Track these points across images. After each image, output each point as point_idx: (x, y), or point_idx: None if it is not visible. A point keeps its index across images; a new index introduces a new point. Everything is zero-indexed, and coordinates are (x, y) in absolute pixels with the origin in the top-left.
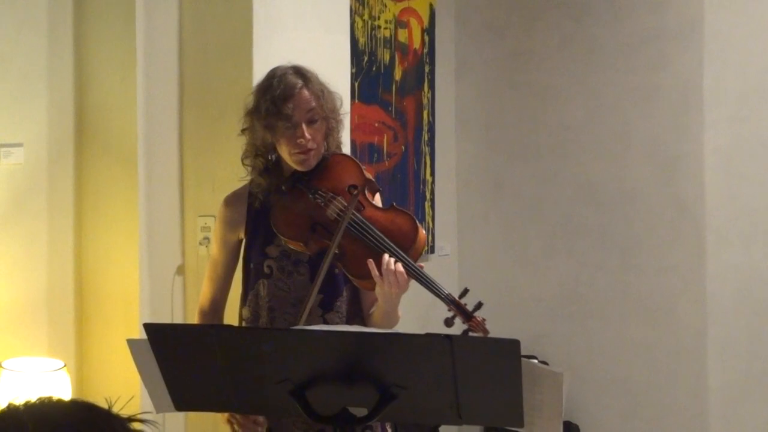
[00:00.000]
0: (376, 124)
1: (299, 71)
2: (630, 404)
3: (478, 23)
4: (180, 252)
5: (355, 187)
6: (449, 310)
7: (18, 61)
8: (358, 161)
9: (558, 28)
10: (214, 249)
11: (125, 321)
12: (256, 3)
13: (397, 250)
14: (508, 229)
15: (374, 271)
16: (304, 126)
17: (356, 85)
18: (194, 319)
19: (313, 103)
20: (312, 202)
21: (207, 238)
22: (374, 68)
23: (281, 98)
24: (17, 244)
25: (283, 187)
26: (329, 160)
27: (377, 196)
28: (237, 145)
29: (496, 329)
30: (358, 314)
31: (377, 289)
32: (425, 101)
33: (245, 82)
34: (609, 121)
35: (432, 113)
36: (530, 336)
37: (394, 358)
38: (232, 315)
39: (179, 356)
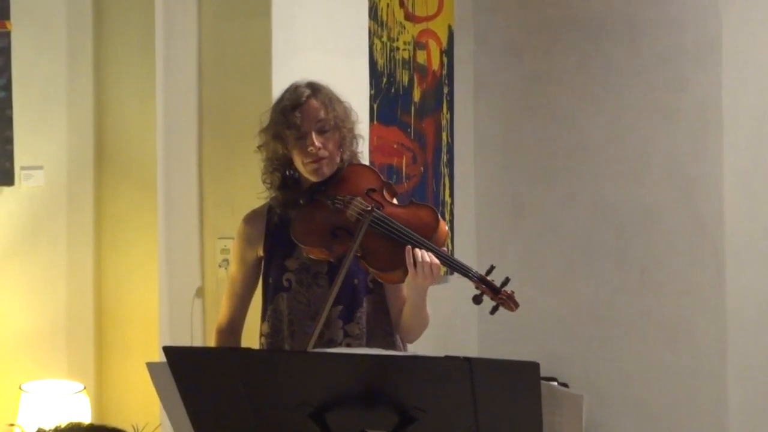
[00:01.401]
0: (395, 146)
1: (310, 83)
2: (650, 426)
3: (496, 45)
4: (199, 274)
5: (373, 189)
6: (477, 288)
7: (38, 84)
8: (374, 168)
9: (576, 49)
10: (233, 267)
11: (145, 343)
12: (275, 26)
13: (422, 238)
14: (527, 250)
15: (409, 259)
16: (313, 135)
17: (375, 106)
18: (214, 341)
19: (322, 113)
20: (331, 208)
21: (226, 260)
22: (393, 90)
23: (289, 108)
24: (37, 267)
25: (301, 201)
26: (345, 170)
27: (395, 200)
28: (256, 167)
29: (515, 351)
30: (379, 325)
31: (407, 280)
32: (444, 123)
33: (264, 105)
34: (627, 142)
35: (451, 134)
36: (550, 357)
37: (413, 380)
38: (250, 335)
39: (199, 379)
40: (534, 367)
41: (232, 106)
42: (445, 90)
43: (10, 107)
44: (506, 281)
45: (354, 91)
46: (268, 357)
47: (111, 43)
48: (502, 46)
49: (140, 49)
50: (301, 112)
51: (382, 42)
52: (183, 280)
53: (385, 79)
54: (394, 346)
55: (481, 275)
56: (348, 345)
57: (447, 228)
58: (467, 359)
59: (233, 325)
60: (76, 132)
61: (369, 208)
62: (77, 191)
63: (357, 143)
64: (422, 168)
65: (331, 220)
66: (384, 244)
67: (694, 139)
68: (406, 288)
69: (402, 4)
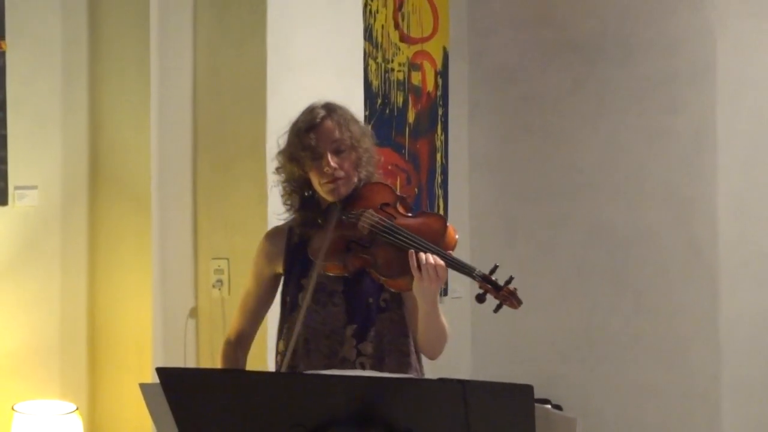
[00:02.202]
0: (390, 167)
1: (326, 104)
2: None
3: (491, 66)
4: (193, 295)
5: (387, 204)
6: (480, 287)
7: (33, 104)
8: (389, 184)
9: (570, 71)
10: (249, 281)
11: (138, 364)
12: (269, 47)
13: (425, 242)
14: (521, 272)
15: (413, 262)
16: (329, 155)
17: (369, 127)
18: (208, 362)
19: (337, 133)
20: (345, 224)
21: (220, 281)
22: (387, 111)
23: (304, 130)
24: (30, 287)
25: (320, 220)
26: (361, 189)
27: (409, 213)
28: (250, 188)
29: (509, 372)
30: (394, 345)
31: (415, 285)
32: (438, 144)
33: (259, 126)
34: (622, 164)
35: (445, 156)
36: (544, 379)
37: (406, 402)
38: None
39: (192, 401)
40: (528, 390)
41: (227, 127)
42: (440, 111)
43: (5, 127)
44: (510, 280)
45: None
46: (262, 378)
47: (106, 63)
48: (497, 68)
49: (135, 70)
50: (316, 134)
51: (377, 63)
52: (177, 300)
53: (379, 100)
54: (408, 366)
55: (484, 273)
56: (361, 364)
57: (456, 235)
58: (461, 382)
59: (241, 339)
60: (70, 152)
61: (379, 219)
62: (71, 211)
63: (374, 162)
64: (416, 189)
65: (345, 235)
66: (391, 252)
67: (689, 161)
68: (416, 296)
69: (397, 26)
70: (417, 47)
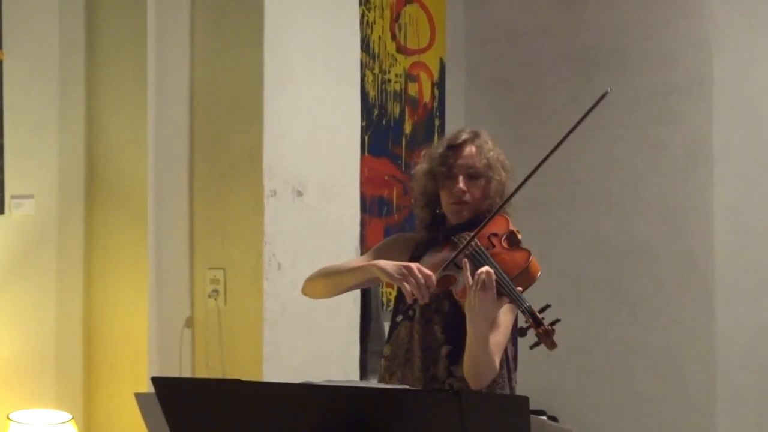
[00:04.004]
0: (386, 178)
1: (474, 130)
2: None
3: (488, 78)
4: (189, 304)
5: (495, 234)
6: (525, 321)
7: (29, 112)
8: (508, 216)
9: (567, 83)
10: (363, 257)
11: (133, 373)
12: (266, 57)
13: (502, 271)
14: None
15: (466, 272)
16: (461, 178)
17: (366, 138)
18: (204, 372)
19: (475, 159)
20: (452, 243)
21: (216, 290)
22: (384, 122)
23: (446, 147)
24: (26, 295)
25: (440, 237)
26: (484, 215)
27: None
28: (247, 198)
29: None
30: None
31: (466, 301)
32: None
33: (256, 136)
34: (618, 176)
35: None
36: (539, 390)
37: (402, 413)
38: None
39: (188, 411)
40: (523, 401)
41: (224, 136)
42: (437, 122)
43: (1, 135)
44: (556, 321)
45: (345, 122)
46: (258, 388)
47: (103, 72)
48: (494, 79)
49: (132, 79)
50: (455, 153)
51: (374, 74)
52: (172, 309)
53: (376, 111)
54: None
55: (532, 308)
56: (450, 385)
57: (538, 273)
58: (456, 393)
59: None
60: (67, 161)
61: (471, 238)
62: (68, 220)
63: (503, 194)
64: (413, 200)
65: (448, 256)
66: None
67: (685, 173)
68: (467, 312)
69: (394, 37)
70: (414, 58)
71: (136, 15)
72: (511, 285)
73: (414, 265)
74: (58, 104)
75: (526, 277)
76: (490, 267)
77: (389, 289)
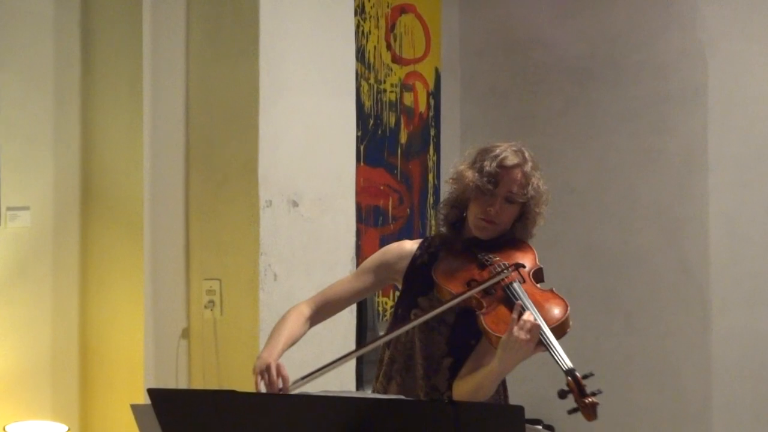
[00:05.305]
0: (382, 187)
1: (525, 154)
2: None
3: (483, 87)
4: (185, 315)
5: (522, 266)
6: (566, 384)
7: (24, 124)
8: (535, 251)
9: (562, 92)
10: (353, 274)
11: (129, 385)
12: (262, 67)
13: (540, 316)
14: None
15: (515, 313)
16: (499, 199)
17: (362, 148)
18: (200, 383)
19: (518, 186)
20: (477, 261)
21: (212, 302)
22: (380, 131)
23: (497, 163)
24: (22, 307)
25: (459, 246)
26: (510, 240)
27: (538, 285)
28: (242, 209)
29: None
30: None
31: (503, 338)
32: (431, 164)
33: (251, 146)
34: (613, 185)
35: (437, 176)
36: (535, 399)
37: (397, 424)
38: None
39: (184, 422)
40: (519, 410)
41: (219, 146)
42: (432, 132)
43: None
44: (598, 391)
45: (341, 132)
46: (254, 399)
47: (98, 84)
48: (489, 89)
49: (127, 91)
50: (502, 172)
51: (369, 84)
52: (168, 321)
53: (371, 121)
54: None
55: (575, 372)
56: (449, 397)
57: (569, 329)
58: (452, 403)
59: (315, 307)
60: (62, 173)
61: (506, 270)
62: (63, 232)
63: (535, 225)
64: (408, 209)
65: (472, 272)
66: (504, 309)
67: (680, 182)
68: (498, 349)
69: (389, 47)
70: (409, 68)
71: (131, 28)
72: (554, 342)
73: (274, 366)
74: (53, 116)
75: (561, 331)
76: (530, 310)
77: (385, 299)
